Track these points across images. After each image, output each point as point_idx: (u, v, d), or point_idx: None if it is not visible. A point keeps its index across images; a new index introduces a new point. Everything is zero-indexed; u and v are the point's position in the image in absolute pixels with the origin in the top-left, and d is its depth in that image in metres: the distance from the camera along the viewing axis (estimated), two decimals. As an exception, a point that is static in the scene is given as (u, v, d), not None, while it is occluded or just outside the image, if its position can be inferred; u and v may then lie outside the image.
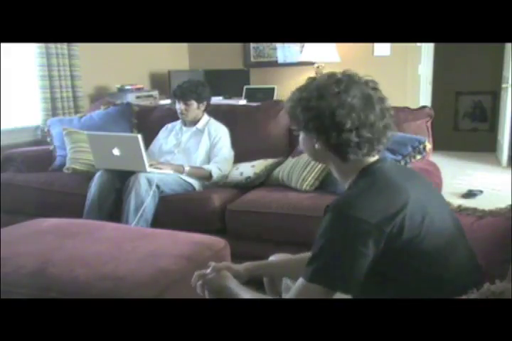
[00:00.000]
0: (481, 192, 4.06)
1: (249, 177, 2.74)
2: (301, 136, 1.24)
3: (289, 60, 4.81)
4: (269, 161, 2.82)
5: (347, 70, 1.18)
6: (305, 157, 2.57)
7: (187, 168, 2.73)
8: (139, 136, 2.52)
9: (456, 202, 1.31)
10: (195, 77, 4.12)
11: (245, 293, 1.21)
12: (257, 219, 2.42)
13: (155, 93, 4.29)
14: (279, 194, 2.51)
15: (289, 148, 2.92)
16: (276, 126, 3.02)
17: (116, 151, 2.57)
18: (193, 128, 2.95)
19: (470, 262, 1.17)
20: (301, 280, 1.07)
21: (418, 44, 4.87)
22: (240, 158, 2.90)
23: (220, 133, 2.91)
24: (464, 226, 1.23)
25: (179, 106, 2.89)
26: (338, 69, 1.22)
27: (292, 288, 1.11)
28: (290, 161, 2.68)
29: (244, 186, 2.74)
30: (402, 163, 2.42)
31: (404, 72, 4.52)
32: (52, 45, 3.53)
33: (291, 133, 3.01)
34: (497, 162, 5.39)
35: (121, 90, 4.04)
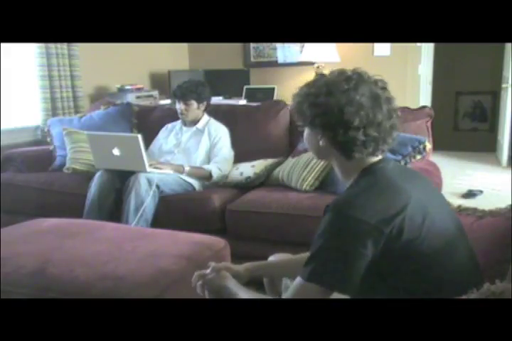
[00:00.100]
0: (481, 192, 4.06)
1: (249, 177, 2.74)
2: (306, 131, 1.23)
3: (289, 60, 4.81)
4: (269, 161, 2.82)
5: (357, 68, 1.17)
6: (305, 157, 2.57)
7: (187, 168, 2.73)
8: (139, 136, 2.52)
9: (456, 202, 1.31)
10: (195, 77, 4.13)
11: (244, 293, 1.21)
12: (257, 219, 2.42)
13: (155, 93, 4.29)
14: (279, 194, 2.51)
15: (289, 148, 2.92)
16: (276, 126, 3.02)
17: (116, 151, 2.57)
18: (193, 128, 2.95)
19: (470, 262, 1.16)
20: (298, 280, 1.07)
21: (418, 44, 4.87)
22: (240, 158, 2.91)
23: (220, 133, 2.91)
24: (463, 227, 1.23)
25: (179, 106, 2.89)
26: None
27: (290, 288, 1.11)
28: (290, 161, 2.68)
29: (244, 186, 2.74)
30: (402, 163, 2.42)
31: (404, 72, 4.52)
32: (52, 45, 3.53)
33: (291, 133, 3.02)
34: (497, 162, 5.39)
35: (121, 90, 4.04)
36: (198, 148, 2.89)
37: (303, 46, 4.51)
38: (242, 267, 1.39)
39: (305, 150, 2.61)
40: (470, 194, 4.00)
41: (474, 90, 6.36)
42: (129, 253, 1.76)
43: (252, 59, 5.00)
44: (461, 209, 1.47)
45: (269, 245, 2.33)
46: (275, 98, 4.45)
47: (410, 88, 4.69)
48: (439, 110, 4.25)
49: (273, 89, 4.60)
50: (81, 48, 3.74)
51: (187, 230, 2.04)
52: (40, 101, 3.55)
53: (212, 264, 1.34)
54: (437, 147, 3.29)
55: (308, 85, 1.19)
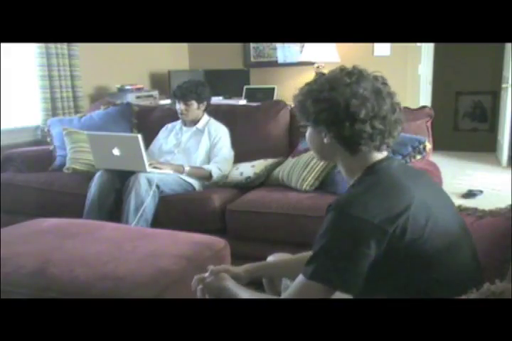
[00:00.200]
0: (481, 192, 4.06)
1: (249, 177, 2.74)
2: (309, 131, 1.22)
3: (289, 60, 4.81)
4: (269, 161, 2.82)
5: (356, 65, 1.18)
6: (305, 157, 2.57)
7: (187, 168, 2.73)
8: (139, 136, 2.52)
9: (456, 202, 1.31)
10: (195, 77, 4.13)
11: (245, 293, 1.21)
12: (257, 219, 2.42)
13: (155, 93, 4.29)
14: (279, 194, 2.51)
15: (289, 148, 2.92)
16: (276, 126, 3.02)
17: (116, 151, 2.57)
18: (193, 128, 2.95)
19: (473, 262, 1.16)
20: (300, 278, 1.07)
21: (418, 44, 4.87)
22: (240, 158, 2.91)
23: (220, 133, 2.91)
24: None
25: (179, 107, 2.89)
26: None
27: (291, 286, 1.11)
28: (290, 161, 2.68)
29: (244, 186, 2.74)
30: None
31: (404, 72, 4.52)
32: (52, 45, 3.53)
33: (291, 133, 3.02)
34: (497, 162, 5.39)
35: (121, 90, 4.04)
36: (198, 148, 2.89)
37: (303, 46, 4.51)
38: (241, 269, 1.38)
39: (305, 150, 2.61)
40: (470, 194, 4.00)
41: (474, 90, 6.36)
42: (129, 253, 1.76)
43: (252, 59, 5.00)
44: (461, 209, 1.46)
45: (269, 245, 2.32)
46: (275, 98, 4.45)
47: (410, 88, 4.69)
48: (439, 110, 4.25)
49: (273, 89, 4.60)
50: (81, 48, 3.74)
51: (187, 230, 2.04)
52: (40, 101, 3.55)
53: (211, 267, 1.34)
54: (437, 147, 3.29)
55: (310, 83, 1.19)
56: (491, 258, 1.25)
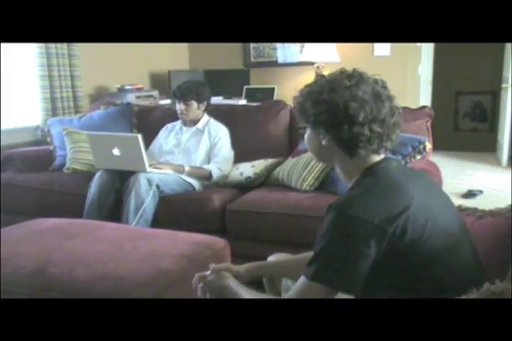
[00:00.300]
0: (481, 192, 4.06)
1: (249, 177, 2.74)
2: (308, 132, 1.23)
3: (289, 60, 4.81)
4: (269, 161, 2.82)
5: (357, 68, 1.18)
6: (305, 157, 2.57)
7: (187, 168, 2.73)
8: (139, 136, 2.52)
9: (456, 202, 1.31)
10: (195, 77, 4.13)
11: (246, 293, 1.21)
12: (257, 219, 2.42)
13: (155, 93, 4.29)
14: (279, 194, 2.51)
15: (289, 148, 2.92)
16: (276, 126, 3.02)
17: (116, 151, 2.57)
18: (193, 128, 2.95)
19: (474, 262, 1.16)
20: (302, 279, 1.07)
21: (418, 44, 4.87)
22: (240, 158, 2.91)
23: (220, 133, 2.91)
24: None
25: (179, 107, 2.89)
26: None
27: (293, 287, 1.11)
28: (290, 161, 2.68)
29: (244, 186, 2.74)
30: (402, 163, 2.42)
31: (404, 72, 4.52)
32: (52, 45, 3.53)
33: (291, 133, 3.02)
34: (497, 162, 5.39)
35: (121, 90, 4.04)
36: (198, 148, 2.89)
37: (303, 46, 4.51)
38: (242, 267, 1.39)
39: (305, 150, 2.61)
40: (470, 194, 4.00)
41: (474, 90, 6.36)
42: (129, 253, 1.76)
43: (252, 59, 5.00)
44: (461, 209, 1.46)
45: (269, 245, 2.32)
46: (275, 98, 4.45)
47: (410, 88, 4.69)
48: (439, 110, 4.25)
49: (273, 89, 4.60)
50: (81, 48, 3.74)
51: (187, 230, 2.04)
52: (40, 101, 3.55)
53: (213, 265, 1.34)
54: (437, 147, 3.29)
55: (310, 85, 1.19)
56: (491, 258, 1.25)
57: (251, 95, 4.62)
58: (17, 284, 1.59)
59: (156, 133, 3.08)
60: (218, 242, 1.94)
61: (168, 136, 3.01)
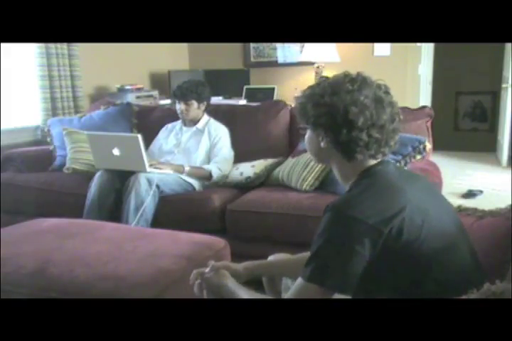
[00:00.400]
0: (481, 192, 4.06)
1: (249, 177, 2.74)
2: (308, 133, 1.23)
3: (289, 60, 4.81)
4: (269, 161, 2.82)
5: (361, 72, 1.18)
6: (305, 157, 2.57)
7: (187, 168, 2.73)
8: (139, 136, 2.52)
9: (456, 202, 1.31)
10: (195, 77, 4.13)
11: (243, 292, 1.21)
12: (257, 219, 2.42)
13: (155, 93, 4.29)
14: (279, 194, 2.51)
15: (289, 148, 2.92)
16: (276, 126, 3.02)
17: (116, 151, 2.57)
18: (193, 128, 2.95)
19: (472, 263, 1.16)
20: (299, 280, 1.08)
21: (418, 44, 4.87)
22: (240, 158, 2.91)
23: (220, 133, 2.92)
24: (465, 227, 1.23)
25: (179, 107, 2.89)
26: (338, 69, 1.22)
27: (291, 288, 1.12)
28: (290, 161, 2.68)
29: (244, 186, 2.74)
30: (402, 163, 2.42)
31: (404, 72, 4.52)
32: (52, 45, 3.53)
33: (291, 133, 3.02)
34: (497, 162, 5.39)
35: (121, 90, 4.04)
36: (198, 148, 2.89)
37: (303, 46, 4.51)
38: (241, 266, 1.39)
39: (305, 151, 2.60)
40: (470, 194, 4.00)
41: (474, 90, 6.37)
42: (129, 253, 1.76)
43: (252, 59, 5.00)
44: (461, 209, 1.47)
45: (269, 245, 2.33)
46: (275, 98, 4.45)
47: (410, 88, 4.70)
48: (439, 110, 4.26)
49: (273, 89, 4.60)
50: (81, 48, 3.74)
51: (187, 230, 2.04)
52: (40, 101, 3.55)
53: (212, 263, 1.34)
54: (437, 147, 3.29)
55: (312, 87, 1.20)
56: (491, 258, 1.25)
57: (251, 95, 4.62)
58: (17, 284, 1.60)
59: (156, 133, 3.08)
60: (218, 242, 1.94)
61: (168, 136, 3.01)
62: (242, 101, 4.47)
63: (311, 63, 4.41)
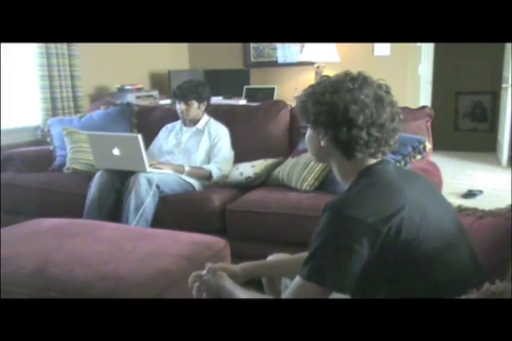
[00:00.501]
0: (481, 192, 4.06)
1: (249, 177, 2.74)
2: (308, 132, 1.24)
3: (289, 60, 4.80)
4: (269, 161, 2.82)
5: (362, 72, 1.19)
6: (305, 157, 2.57)
7: (187, 168, 2.73)
8: (139, 136, 2.52)
9: (456, 202, 1.31)
10: (195, 77, 4.13)
11: (241, 293, 1.22)
12: (257, 219, 2.42)
13: (155, 93, 4.29)
14: (279, 194, 2.51)
15: (289, 148, 2.92)
16: (276, 126, 3.02)
17: (116, 151, 2.57)
18: (193, 128, 2.95)
19: (472, 263, 1.16)
20: (298, 279, 1.08)
21: (418, 44, 4.87)
22: (240, 158, 2.91)
23: (220, 133, 2.92)
24: (464, 227, 1.22)
25: (179, 107, 2.89)
26: (338, 70, 1.22)
27: (289, 287, 1.12)
28: (290, 161, 2.68)
29: (244, 186, 2.74)
30: (402, 163, 2.42)
31: (404, 72, 4.52)
32: (52, 45, 3.53)
33: (291, 133, 3.02)
34: (497, 162, 5.39)
35: (121, 90, 4.04)
36: (198, 148, 2.89)
37: (303, 46, 4.51)
38: (238, 267, 1.39)
39: (305, 150, 2.61)
40: (470, 194, 4.00)
41: (474, 90, 6.36)
42: (129, 253, 1.76)
43: (252, 59, 5.00)
44: (461, 209, 1.47)
45: (269, 245, 2.32)
46: (275, 98, 4.45)
47: (410, 88, 4.69)
48: (439, 110, 4.25)
49: (273, 89, 4.60)
50: (81, 48, 3.74)
51: (187, 230, 2.04)
52: (40, 101, 3.55)
53: (209, 265, 1.34)
54: (437, 147, 3.29)
55: (314, 85, 1.20)
56: (491, 258, 1.25)
57: (251, 95, 4.62)
58: (17, 284, 1.60)
59: (156, 133, 3.08)
60: (218, 242, 1.94)
61: (168, 136, 3.01)
62: (242, 101, 4.47)
63: (311, 63, 4.41)
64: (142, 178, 2.51)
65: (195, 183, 2.74)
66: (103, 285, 1.55)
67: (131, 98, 3.89)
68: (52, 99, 3.61)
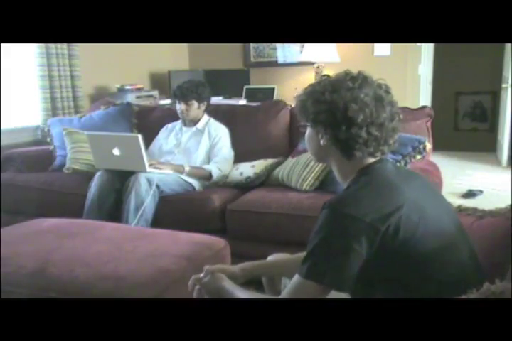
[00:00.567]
0: (481, 192, 4.06)
1: (249, 177, 2.74)
2: (308, 131, 1.24)
3: (289, 60, 4.81)
4: (269, 161, 2.82)
5: (362, 71, 1.19)
6: (305, 157, 2.57)
7: (187, 168, 2.73)
8: (139, 136, 2.52)
9: (456, 202, 1.31)
10: (195, 77, 4.13)
11: (242, 293, 1.21)
12: (257, 219, 2.42)
13: (155, 93, 4.29)
14: (279, 194, 2.51)
15: (289, 148, 2.92)
16: (276, 126, 3.02)
17: (116, 151, 2.57)
18: (193, 128, 2.95)
19: (472, 263, 1.17)
20: (296, 277, 1.08)
21: (418, 44, 4.87)
22: (240, 158, 2.91)
23: (220, 133, 2.92)
24: (464, 227, 1.22)
25: (179, 107, 2.89)
26: (338, 69, 1.22)
27: (288, 285, 1.12)
28: (290, 161, 2.68)
29: (244, 186, 2.74)
30: (402, 163, 2.42)
31: (404, 72, 4.52)
32: (52, 45, 3.53)
33: (291, 133, 3.02)
34: (497, 162, 5.39)
35: (121, 90, 4.04)
36: (198, 148, 2.89)
37: (303, 46, 4.51)
38: (237, 267, 1.39)
39: (305, 150, 2.61)
40: (470, 194, 4.00)
41: (474, 90, 6.36)
42: (129, 253, 1.76)
43: (252, 59, 5.00)
44: (461, 209, 1.47)
45: (269, 245, 2.32)
46: (275, 98, 4.45)
47: (410, 88, 4.69)
48: (439, 110, 4.25)
49: (273, 89, 4.60)
50: (81, 48, 3.74)
51: (187, 230, 2.04)
52: (40, 101, 3.55)
53: (207, 267, 1.34)
54: (437, 147, 3.29)
55: (314, 84, 1.21)
56: (491, 258, 1.25)
57: (251, 95, 4.62)
58: (17, 284, 1.60)
59: (156, 133, 3.08)
60: (218, 242, 1.94)
61: (168, 136, 3.01)
62: (242, 101, 4.47)
63: (311, 63, 4.41)
64: (142, 178, 2.51)
65: (195, 183, 2.74)
66: (103, 285, 1.55)
67: (131, 98, 3.89)
68: (52, 99, 3.61)
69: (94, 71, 4.02)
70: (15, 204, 2.91)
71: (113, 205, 2.61)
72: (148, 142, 2.94)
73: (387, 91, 1.17)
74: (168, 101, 4.24)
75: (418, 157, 2.47)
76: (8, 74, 3.45)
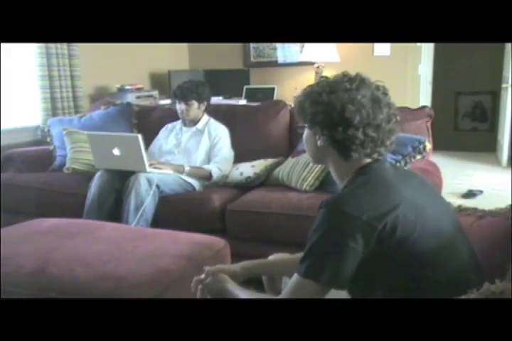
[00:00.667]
0: (481, 192, 4.06)
1: (249, 177, 2.74)
2: (306, 132, 1.25)
3: (289, 60, 4.81)
4: (269, 161, 2.82)
5: (360, 73, 1.20)
6: (305, 157, 2.57)
7: (187, 168, 2.73)
8: (139, 136, 2.52)
9: (456, 202, 1.31)
10: (195, 77, 4.13)
11: (242, 293, 1.22)
12: (257, 219, 2.42)
13: (155, 93, 4.29)
14: (279, 194, 2.51)
15: (289, 148, 2.92)
16: (276, 126, 3.02)
17: (116, 151, 2.57)
18: (193, 129, 2.95)
19: (472, 262, 1.17)
20: (295, 276, 1.09)
21: (418, 44, 4.87)
22: (240, 158, 2.91)
23: (220, 133, 2.92)
24: (463, 227, 1.23)
25: (179, 107, 2.89)
26: (338, 70, 1.23)
27: (287, 285, 1.12)
28: (290, 161, 2.68)
29: (244, 186, 2.74)
30: (402, 163, 2.42)
31: (404, 72, 4.52)
32: (52, 45, 3.53)
33: (291, 133, 3.02)
34: (497, 162, 5.39)
35: (121, 90, 4.04)
36: (198, 148, 2.89)
37: (303, 46, 4.51)
38: (238, 265, 1.39)
39: (305, 151, 2.60)
40: (470, 194, 4.00)
41: (474, 90, 6.36)
42: (129, 253, 1.76)
43: (252, 59, 5.00)
44: (461, 209, 1.47)
45: (269, 245, 2.32)
46: (275, 98, 4.45)
47: (410, 88, 4.69)
48: (439, 110, 4.25)
49: (273, 89, 4.60)
50: (81, 48, 3.74)
51: (187, 230, 2.04)
52: (40, 101, 3.55)
53: (207, 268, 1.34)
54: (437, 147, 3.29)
55: (312, 85, 1.22)
56: (491, 258, 1.25)
57: (251, 95, 4.62)
58: (17, 284, 1.59)
59: (156, 133, 3.08)
60: (218, 242, 1.94)
61: (168, 136, 3.01)
62: (242, 101, 4.47)
63: (311, 63, 4.41)
64: (142, 178, 2.51)
65: (195, 183, 2.74)
66: (103, 285, 1.55)
67: (131, 98, 3.89)
68: (52, 99, 3.61)
69: (94, 71, 4.02)
70: (15, 204, 2.91)
71: (113, 205, 2.61)
72: (148, 142, 2.94)
73: (385, 93, 1.18)
74: (168, 101, 4.24)
75: (418, 157, 2.47)
76: (8, 74, 3.45)
